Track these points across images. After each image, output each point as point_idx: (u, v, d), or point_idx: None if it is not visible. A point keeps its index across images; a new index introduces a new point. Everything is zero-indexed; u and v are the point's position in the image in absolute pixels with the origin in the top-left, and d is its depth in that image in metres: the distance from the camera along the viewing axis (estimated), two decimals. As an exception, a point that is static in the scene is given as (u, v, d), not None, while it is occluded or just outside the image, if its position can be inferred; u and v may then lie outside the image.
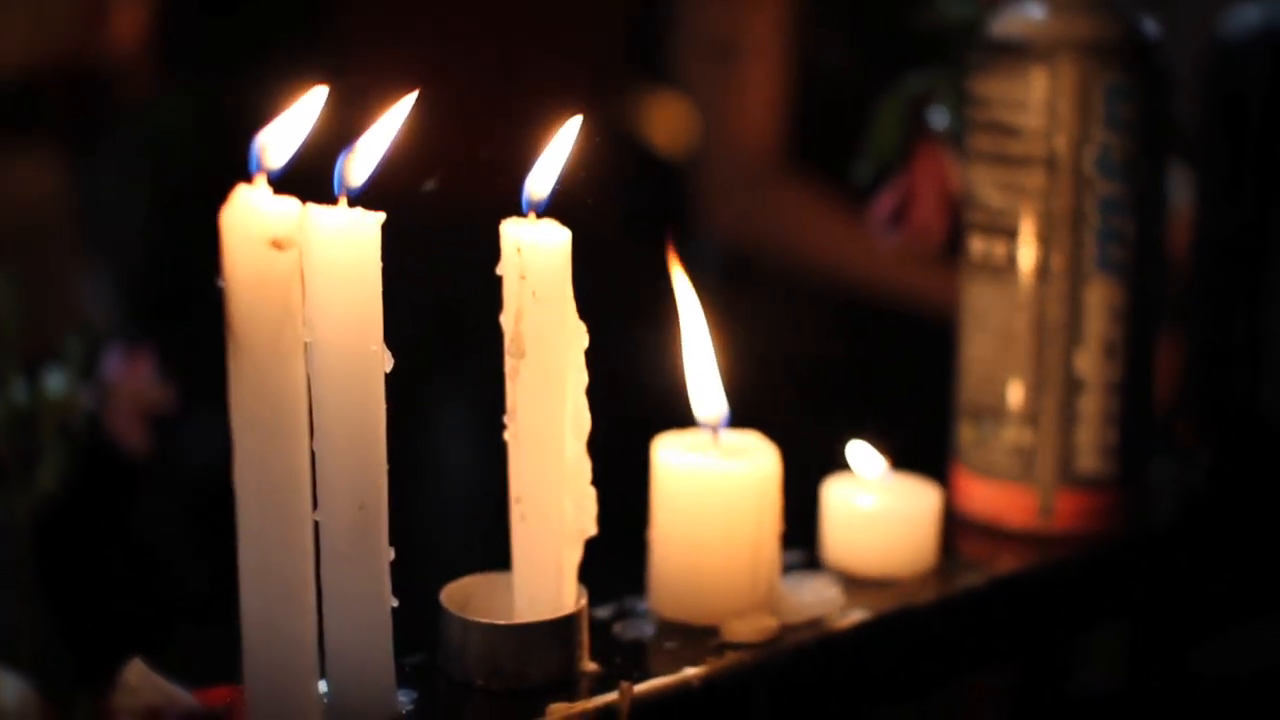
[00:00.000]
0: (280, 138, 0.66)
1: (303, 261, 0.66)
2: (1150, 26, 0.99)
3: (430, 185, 0.74)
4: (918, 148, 1.13)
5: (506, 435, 0.76)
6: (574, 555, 0.77)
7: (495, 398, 0.76)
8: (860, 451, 0.95)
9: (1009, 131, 0.98)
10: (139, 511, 1.72)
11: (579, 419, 0.76)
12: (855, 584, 0.91)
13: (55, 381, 1.09)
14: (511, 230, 0.74)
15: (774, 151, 1.85)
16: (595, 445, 0.77)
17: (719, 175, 1.91)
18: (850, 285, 1.78)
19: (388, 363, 0.69)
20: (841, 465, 0.96)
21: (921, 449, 1.01)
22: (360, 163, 0.68)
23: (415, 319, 1.87)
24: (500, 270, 0.74)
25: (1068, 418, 0.99)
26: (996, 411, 1.00)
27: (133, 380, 1.11)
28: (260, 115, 0.67)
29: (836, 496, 0.94)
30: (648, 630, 0.84)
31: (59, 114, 2.02)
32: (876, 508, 0.92)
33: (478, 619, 0.76)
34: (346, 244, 0.67)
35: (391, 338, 0.70)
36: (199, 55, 2.48)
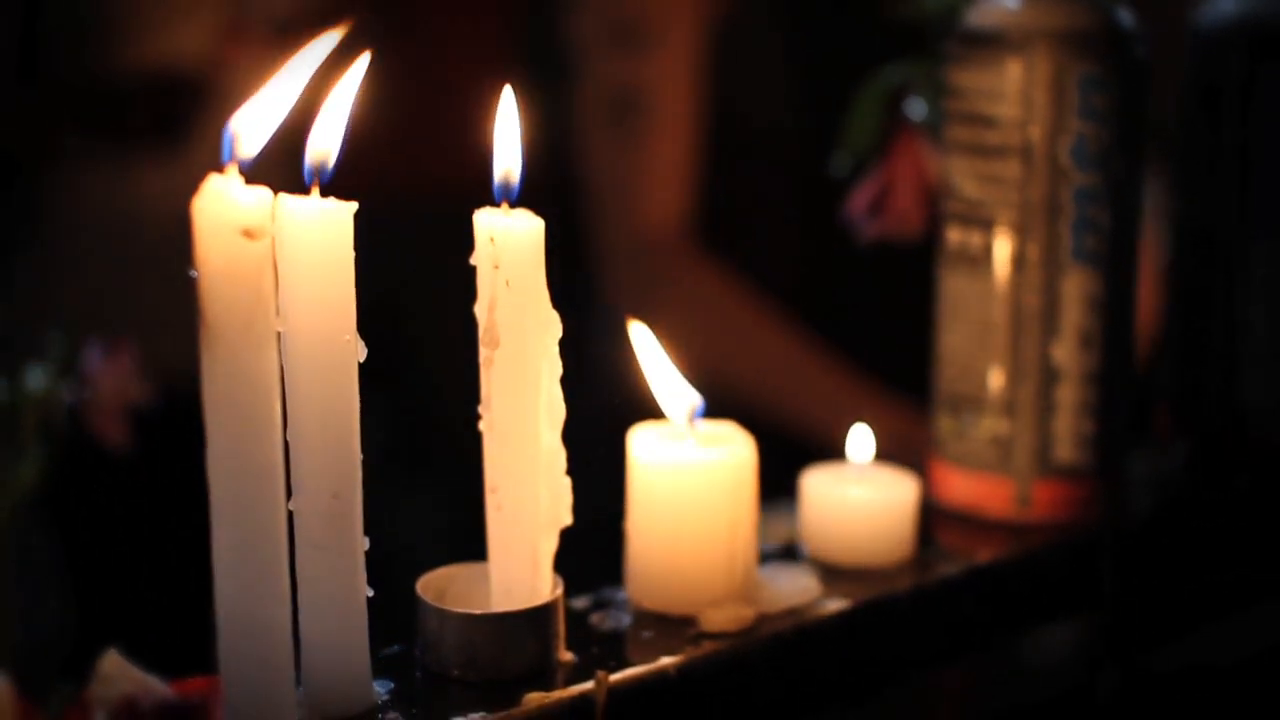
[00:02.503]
0: (253, 125, 0.66)
1: (275, 251, 0.66)
2: (1125, 17, 0.99)
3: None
4: (895, 139, 1.13)
5: (481, 425, 0.76)
6: (549, 545, 0.77)
7: (470, 387, 0.76)
8: (860, 435, 0.95)
9: (985, 122, 0.99)
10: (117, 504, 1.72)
11: (553, 408, 0.76)
12: (833, 574, 0.91)
13: (35, 378, 1.09)
14: (485, 219, 0.74)
15: (678, 232, 1.64)
16: (570, 435, 0.77)
17: (616, 257, 1.68)
18: (745, 391, 1.52)
19: (361, 352, 0.69)
20: (819, 455, 0.96)
21: (900, 438, 1.01)
22: (322, 136, 0.68)
23: (388, 308, 1.81)
24: (474, 260, 0.74)
25: (1045, 408, 0.99)
26: (974, 402, 1.00)
27: (113, 375, 1.11)
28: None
29: (814, 486, 0.94)
30: (625, 620, 0.84)
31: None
32: (855, 498, 0.93)
33: (454, 609, 0.76)
34: (319, 233, 0.67)
35: (364, 327, 0.70)
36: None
